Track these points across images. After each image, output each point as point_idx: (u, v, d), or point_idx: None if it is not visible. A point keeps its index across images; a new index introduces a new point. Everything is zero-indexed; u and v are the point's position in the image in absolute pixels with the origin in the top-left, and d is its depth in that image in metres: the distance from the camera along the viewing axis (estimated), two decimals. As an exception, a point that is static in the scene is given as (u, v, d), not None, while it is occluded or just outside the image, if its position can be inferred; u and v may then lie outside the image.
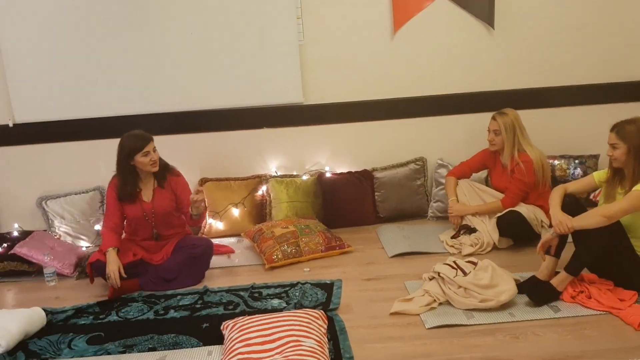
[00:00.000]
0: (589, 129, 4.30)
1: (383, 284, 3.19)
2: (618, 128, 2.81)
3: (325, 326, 2.60)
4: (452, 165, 4.12)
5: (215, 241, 3.73)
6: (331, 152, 4.25)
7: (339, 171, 4.21)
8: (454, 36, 4.12)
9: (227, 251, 3.75)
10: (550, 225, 2.92)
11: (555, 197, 2.98)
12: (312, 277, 3.30)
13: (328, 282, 3.21)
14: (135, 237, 3.43)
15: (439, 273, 2.97)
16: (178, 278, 3.29)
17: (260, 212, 4.12)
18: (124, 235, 3.46)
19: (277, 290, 3.13)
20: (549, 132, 4.19)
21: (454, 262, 3.02)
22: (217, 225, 4.03)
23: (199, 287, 3.26)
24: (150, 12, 3.92)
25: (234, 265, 3.57)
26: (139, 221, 3.38)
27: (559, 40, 4.18)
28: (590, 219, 2.75)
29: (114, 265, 3.13)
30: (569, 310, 2.76)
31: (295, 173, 4.22)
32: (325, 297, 3.02)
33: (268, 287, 3.19)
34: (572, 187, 3.06)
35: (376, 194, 4.17)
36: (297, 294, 3.07)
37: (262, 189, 4.14)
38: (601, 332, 2.57)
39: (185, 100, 4.06)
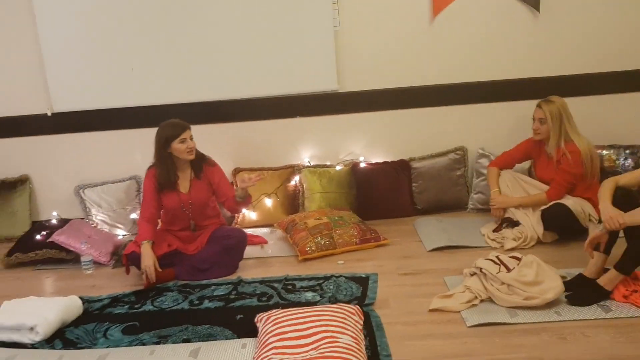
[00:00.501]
0: (636, 117, 4.08)
1: (421, 279, 3.08)
2: None
3: (362, 322, 2.52)
4: (494, 155, 3.97)
5: (248, 231, 3.69)
6: (366, 142, 4.14)
7: (374, 161, 4.10)
8: (497, 20, 3.95)
9: (260, 241, 3.70)
10: (600, 221, 2.75)
11: (605, 190, 2.80)
12: (346, 270, 3.22)
13: (363, 275, 3.12)
14: (172, 227, 3.42)
15: (480, 269, 2.84)
16: (212, 268, 3.26)
17: (292, 202, 4.06)
18: (160, 225, 3.44)
19: (311, 283, 3.07)
20: (596, 121, 3.97)
21: (497, 257, 2.90)
22: (250, 215, 3.99)
23: (232, 277, 3.22)
24: (186, 1, 3.86)
25: (267, 256, 3.52)
26: (176, 212, 3.36)
27: (607, 24, 3.95)
28: (645, 214, 2.58)
29: (149, 260, 3.11)
30: (621, 311, 2.60)
31: (328, 163, 4.14)
32: (360, 292, 2.93)
33: (301, 279, 3.13)
34: (623, 179, 2.87)
35: (413, 184, 4.05)
36: (331, 287, 3.00)
37: (295, 179, 4.08)
38: (657, 335, 2.41)
39: (218, 89, 4.01)
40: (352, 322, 2.43)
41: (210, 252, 3.28)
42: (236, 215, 3.98)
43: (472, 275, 2.91)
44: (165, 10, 3.88)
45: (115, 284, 3.28)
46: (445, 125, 4.11)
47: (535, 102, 3.89)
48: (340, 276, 3.11)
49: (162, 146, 3.25)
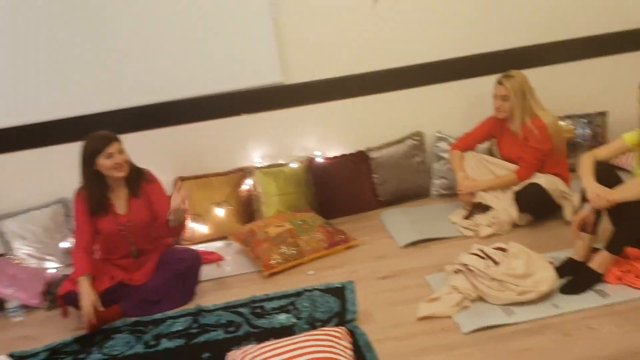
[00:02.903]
0: (594, 85, 4.00)
1: (401, 282, 2.82)
2: None
3: (351, 346, 2.22)
4: (452, 138, 3.76)
5: (200, 248, 3.32)
6: (320, 135, 3.82)
7: (330, 155, 3.80)
8: (442, -4, 3.72)
9: (215, 259, 3.32)
10: (586, 200, 2.58)
11: (586, 166, 2.63)
12: (319, 282, 2.92)
13: (339, 285, 2.82)
14: (111, 256, 2.98)
15: (466, 265, 2.61)
16: (165, 299, 2.86)
17: (247, 209, 3.69)
18: (97, 254, 3.00)
19: (282, 302, 2.74)
20: (550, 91, 3.78)
21: (481, 250, 2.67)
22: (201, 229, 3.59)
23: (190, 306, 2.84)
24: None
25: (226, 276, 3.16)
26: (114, 237, 2.92)
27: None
28: (633, 190, 2.43)
29: (87, 298, 2.67)
30: (617, 294, 2.45)
31: (282, 161, 3.79)
32: (339, 306, 2.64)
33: (270, 299, 2.79)
34: (601, 153, 2.72)
35: (374, 176, 3.78)
36: (306, 304, 2.68)
37: (248, 183, 3.71)
38: (664, 318, 2.26)
39: (151, 92, 3.56)
40: (341, 349, 2.13)
41: (160, 281, 2.89)
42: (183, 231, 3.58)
43: (456, 272, 2.68)
44: (82, 6, 3.37)
45: (51, 330, 2.82)
46: (400, 110, 3.86)
47: (487, 78, 3.72)
48: (314, 289, 2.80)
49: (87, 163, 2.80)
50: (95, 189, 2.85)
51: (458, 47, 3.81)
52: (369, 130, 3.84)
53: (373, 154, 3.78)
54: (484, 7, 3.77)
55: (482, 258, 2.62)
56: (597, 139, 3.91)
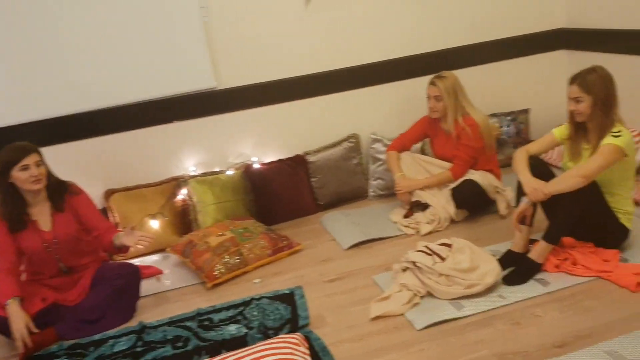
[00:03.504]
0: (516, 83, 4.19)
1: (350, 283, 2.81)
2: (580, 80, 2.58)
3: (308, 352, 2.18)
4: (387, 139, 3.82)
5: (135, 262, 3.15)
6: (256, 140, 3.76)
7: (267, 160, 3.74)
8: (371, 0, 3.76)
9: (154, 273, 3.18)
10: (523, 194, 2.68)
11: (521, 161, 2.73)
12: (266, 289, 2.85)
13: (287, 291, 2.77)
14: (40, 276, 2.77)
15: (414, 262, 2.63)
16: (104, 317, 2.69)
17: (184, 220, 3.56)
18: (24, 276, 2.78)
19: (230, 313, 2.65)
20: (477, 91, 3.94)
21: (427, 247, 2.71)
22: (136, 242, 3.42)
23: (132, 324, 2.69)
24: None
25: (166, 290, 3.02)
26: (40, 255, 2.72)
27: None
28: (567, 182, 2.54)
29: (20, 321, 2.46)
30: (557, 282, 2.55)
31: (218, 169, 3.70)
32: (290, 312, 2.58)
33: (217, 310, 2.69)
34: (534, 147, 2.83)
35: (312, 179, 3.76)
36: (255, 313, 2.61)
37: (182, 193, 3.58)
38: (600, 301, 2.38)
39: (75, 100, 3.36)
40: (300, 356, 2.07)
41: (97, 298, 2.71)
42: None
43: (404, 270, 2.70)
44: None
45: (-22, 362, 2.58)
46: (335, 113, 3.87)
47: (420, 79, 3.82)
48: (262, 298, 2.73)
49: (1, 176, 2.59)
50: (11, 204, 2.64)
51: (391, 49, 3.88)
52: (305, 134, 3.82)
53: (310, 158, 3.77)
54: (415, 11, 3.87)
55: (429, 254, 2.66)
56: (521, 135, 4.10)
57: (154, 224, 3.47)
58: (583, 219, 2.58)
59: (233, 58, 3.58)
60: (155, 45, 3.41)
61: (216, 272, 2.96)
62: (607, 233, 2.69)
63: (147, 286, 3.01)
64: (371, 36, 3.81)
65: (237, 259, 3.03)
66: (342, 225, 3.45)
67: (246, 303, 2.71)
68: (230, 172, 3.64)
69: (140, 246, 2.70)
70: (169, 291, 3.00)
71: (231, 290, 2.90)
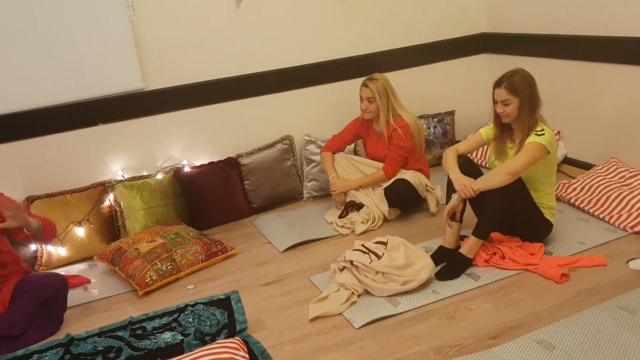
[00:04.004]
0: (440, 86, 4.32)
1: (287, 286, 2.79)
2: (507, 82, 2.68)
3: (247, 357, 2.13)
4: (321, 140, 3.84)
5: (60, 272, 3.00)
6: (186, 143, 3.67)
7: (199, 163, 3.66)
8: (305, 2, 3.76)
9: (81, 282, 3.03)
10: (452, 191, 2.76)
11: (451, 160, 2.82)
12: (201, 295, 2.78)
13: (222, 297, 2.71)
14: (-47, 290, 2.56)
15: (351, 261, 2.65)
16: (27, 332, 2.53)
17: (111, 226, 3.42)
18: None
19: (164, 321, 2.56)
20: (406, 93, 4.05)
21: (363, 245, 2.73)
22: (59, 251, 3.25)
23: (59, 337, 2.54)
24: None
25: (94, 299, 2.88)
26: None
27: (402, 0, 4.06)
28: (494, 179, 2.64)
29: None
30: (487, 276, 2.65)
31: (146, 173, 3.57)
32: (226, 317, 2.53)
33: (151, 318, 2.59)
34: (462, 147, 2.93)
35: (246, 182, 3.71)
36: (190, 320, 2.53)
37: (109, 199, 3.43)
38: (529, 292, 2.48)
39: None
40: (240, 360, 2.03)
41: (20, 312, 2.54)
42: (39, 255, 3.21)
43: (341, 270, 2.71)
44: None
45: None
46: (269, 114, 3.84)
47: (352, 81, 3.88)
48: (197, 304, 2.66)
49: None
50: None
51: (323, 52, 3.90)
52: (238, 136, 3.77)
53: (244, 160, 3.72)
54: (346, 15, 3.90)
55: (365, 253, 2.69)
56: (447, 136, 4.24)
57: (79, 232, 3.30)
58: (510, 214, 2.69)
59: (162, 58, 3.48)
60: (79, 43, 3.25)
61: (148, 279, 2.85)
62: (533, 227, 2.81)
63: (73, 296, 2.86)
64: (304, 38, 3.82)
65: (169, 265, 2.93)
66: (277, 227, 3.42)
67: (181, 310, 2.63)
68: (159, 176, 3.53)
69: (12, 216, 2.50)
70: (98, 301, 2.86)
71: (164, 298, 2.80)
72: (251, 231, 3.48)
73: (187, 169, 3.57)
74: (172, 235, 3.12)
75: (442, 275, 2.68)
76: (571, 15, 3.54)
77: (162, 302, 2.76)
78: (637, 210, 2.93)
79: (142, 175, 3.54)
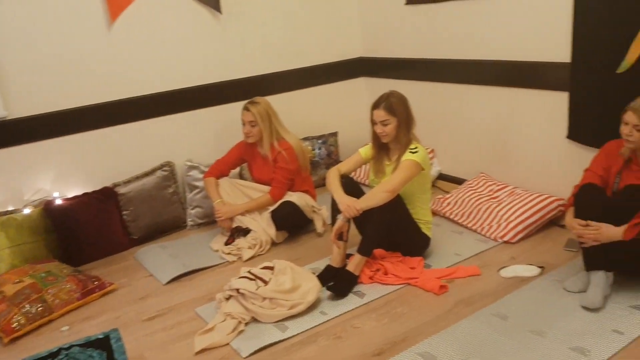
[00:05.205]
0: (323, 108, 4.42)
1: (171, 319, 2.67)
2: (385, 104, 2.79)
3: (128, 399, 2.00)
4: (204, 165, 3.75)
5: None
6: (56, 174, 3.42)
7: (71, 195, 3.42)
8: (181, 24, 3.69)
9: None
10: (338, 211, 2.80)
11: (334, 180, 2.88)
12: (77, 336, 2.58)
13: (101, 336, 2.54)
14: None
15: (237, 289, 2.59)
16: None
17: (-29, 268, 3.09)
18: None
19: (34, 369, 2.34)
20: (288, 116, 4.09)
21: (250, 272, 2.69)
22: None
23: None
24: None
25: (-49, 352, 2.58)
26: None
27: (285, 24, 4.11)
28: (375, 198, 2.72)
29: None
30: (372, 292, 2.71)
31: (12, 208, 3.28)
32: (105, 358, 2.36)
33: (18, 367, 2.36)
34: (344, 167, 3.00)
35: (124, 212, 3.53)
36: (64, 365, 2.34)
37: (-32, 238, 3.10)
38: (411, 306, 2.57)
39: None
40: (118, 405, 1.89)
41: None
42: None
43: (227, 299, 2.64)
44: None
45: None
46: (147, 141, 3.70)
47: (234, 105, 3.85)
48: (72, 346, 2.46)
49: None
50: None
51: (204, 75, 3.84)
52: (114, 164, 3.59)
53: (121, 189, 3.53)
54: (228, 38, 3.88)
55: (252, 279, 2.64)
56: (332, 156, 4.32)
57: None
58: (390, 230, 2.78)
59: (27, 83, 3.24)
60: None
61: (15, 325, 2.60)
62: (412, 242, 2.93)
63: None
64: (184, 60, 3.74)
65: (40, 306, 2.70)
66: (159, 259, 3.28)
67: (53, 355, 2.42)
68: (27, 211, 3.25)
69: None
70: (-46, 354, 2.56)
71: (35, 343, 2.57)
72: (131, 264, 3.30)
73: (58, 202, 3.33)
74: (42, 274, 2.88)
75: (330, 295, 2.70)
76: (439, 41, 3.78)
77: (33, 347, 2.53)
78: (505, 221, 3.15)
79: (7, 211, 3.25)
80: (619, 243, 2.35)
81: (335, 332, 2.43)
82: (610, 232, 2.36)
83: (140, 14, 3.52)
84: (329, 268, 2.87)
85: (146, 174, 3.65)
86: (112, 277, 3.09)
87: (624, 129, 2.43)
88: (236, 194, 3.51)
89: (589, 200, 2.49)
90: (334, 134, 4.37)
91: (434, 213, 3.41)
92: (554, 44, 3.04)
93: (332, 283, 2.74)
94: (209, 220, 3.73)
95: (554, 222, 3.22)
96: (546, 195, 3.21)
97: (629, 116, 2.40)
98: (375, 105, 2.82)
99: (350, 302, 2.64)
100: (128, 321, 2.68)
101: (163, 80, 3.69)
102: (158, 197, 3.63)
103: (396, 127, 2.79)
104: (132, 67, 3.56)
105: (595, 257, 2.45)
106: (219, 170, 3.56)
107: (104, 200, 3.45)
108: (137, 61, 3.58)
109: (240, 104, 3.48)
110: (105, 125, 3.53)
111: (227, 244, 3.35)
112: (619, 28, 2.69)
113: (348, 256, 2.90)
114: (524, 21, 3.19)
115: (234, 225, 3.42)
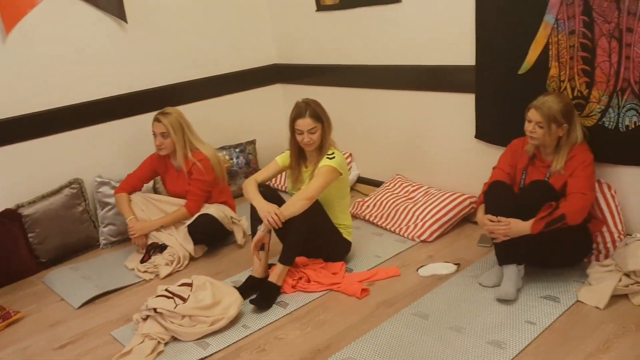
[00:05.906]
0: (239, 116, 4.36)
1: (85, 345, 2.52)
2: (310, 111, 2.76)
3: None
4: (115, 181, 3.59)
5: None
6: (-50, 198, 3.16)
7: (-32, 219, 3.17)
8: (84, 34, 3.51)
9: None
10: (259, 219, 2.75)
11: (252, 191, 2.83)
12: (-22, 373, 2.38)
13: (5, 371, 2.36)
14: None
15: (154, 309, 2.48)
16: None
17: None
18: None
19: None
20: (203, 126, 3.98)
21: (167, 290, 2.59)
22: None
23: None
24: None
25: None
26: None
27: (195, 32, 4.02)
28: (296, 205, 2.70)
29: None
30: (296, 301, 2.68)
31: None
32: (10, 395, 2.19)
33: None
34: (261, 176, 2.96)
35: (30, 235, 3.31)
36: (-37, 406, 2.15)
37: None
38: (334, 312, 2.56)
39: None
40: None
41: None
42: None
43: (145, 319, 2.53)
44: None
45: None
46: (52, 157, 3.48)
47: (143, 116, 3.72)
48: (-28, 386, 2.26)
49: None
50: None
51: (112, 86, 3.67)
52: (16, 184, 3.35)
53: (25, 211, 3.31)
54: (136, 46, 3.73)
55: (169, 298, 2.54)
56: (251, 165, 4.27)
57: None
58: (311, 237, 2.77)
59: None
60: None
61: None
62: (333, 247, 2.93)
63: None
64: (90, 72, 3.55)
65: None
66: (70, 281, 3.10)
67: (-50, 397, 2.21)
68: None
69: None
70: None
71: None
72: (40, 289, 3.10)
73: (-47, 228, 3.07)
74: None
75: (254, 307, 2.64)
76: (351, 47, 3.82)
77: None
78: (421, 220, 3.22)
79: None
80: (528, 237, 2.46)
81: (259, 344, 2.38)
82: (519, 227, 2.46)
83: (38, 24, 3.32)
84: (251, 279, 2.82)
85: (53, 193, 3.45)
86: (18, 305, 2.89)
87: (528, 127, 2.55)
88: (150, 209, 3.38)
89: (498, 197, 2.59)
90: (252, 142, 4.31)
91: (354, 216, 3.44)
92: (460, 48, 3.15)
93: (254, 296, 2.68)
94: (122, 238, 3.57)
95: (467, 219, 3.33)
96: (459, 194, 3.32)
97: (531, 114, 2.52)
98: (299, 115, 2.79)
99: (273, 313, 2.61)
100: (38, 351, 2.51)
101: (68, 93, 3.49)
102: (67, 217, 3.44)
103: (321, 134, 2.79)
104: (32, 80, 3.35)
105: (507, 252, 2.55)
106: (131, 185, 3.41)
107: (6, 223, 3.22)
108: (38, 74, 3.37)
109: (151, 115, 3.35)
110: (5, 143, 3.29)
111: (142, 261, 3.21)
112: (519, 31, 2.83)
113: (270, 266, 2.86)
114: (431, 26, 3.28)
115: (150, 241, 3.28)
